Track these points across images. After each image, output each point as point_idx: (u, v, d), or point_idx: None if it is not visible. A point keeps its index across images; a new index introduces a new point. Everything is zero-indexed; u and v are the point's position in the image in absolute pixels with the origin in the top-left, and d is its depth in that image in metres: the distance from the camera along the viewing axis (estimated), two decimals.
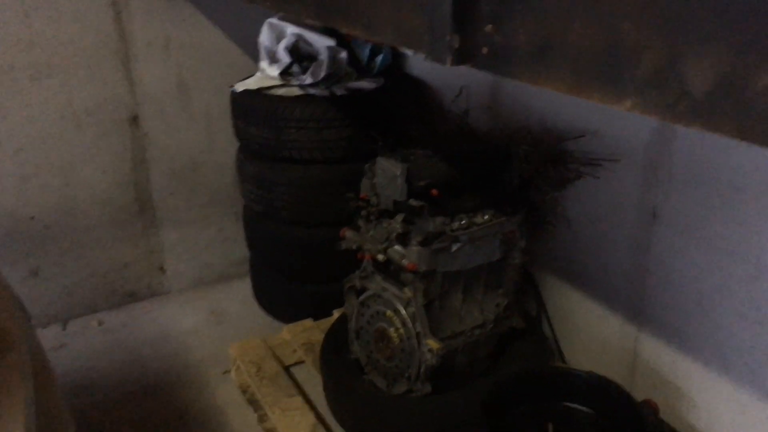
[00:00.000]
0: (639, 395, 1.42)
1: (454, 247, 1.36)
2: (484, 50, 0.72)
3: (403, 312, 1.38)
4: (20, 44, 1.79)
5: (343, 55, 1.89)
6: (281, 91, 1.84)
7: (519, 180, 1.45)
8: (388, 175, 1.34)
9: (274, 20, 1.92)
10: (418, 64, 2.03)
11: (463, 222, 1.37)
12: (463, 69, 0.74)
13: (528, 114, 1.59)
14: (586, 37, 0.59)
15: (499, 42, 0.69)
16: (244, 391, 1.75)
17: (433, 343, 1.34)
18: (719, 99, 0.48)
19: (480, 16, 0.70)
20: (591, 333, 1.61)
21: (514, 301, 1.53)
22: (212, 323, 2.10)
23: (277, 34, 1.92)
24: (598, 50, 0.58)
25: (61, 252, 2.03)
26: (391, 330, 1.41)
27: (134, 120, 2.00)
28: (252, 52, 2.03)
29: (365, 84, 1.88)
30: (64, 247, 2.03)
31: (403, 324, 1.39)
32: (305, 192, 1.84)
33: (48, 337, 2.02)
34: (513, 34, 0.66)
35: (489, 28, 0.70)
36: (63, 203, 1.98)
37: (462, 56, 0.73)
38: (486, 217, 1.41)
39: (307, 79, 1.83)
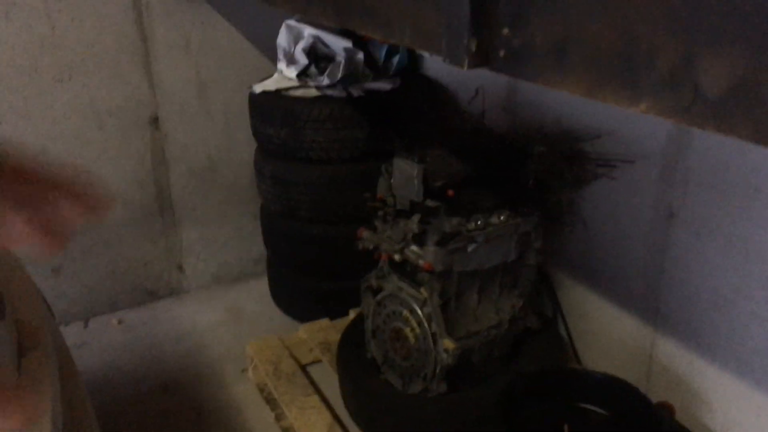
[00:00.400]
0: (655, 396, 1.42)
1: (470, 248, 1.37)
2: (501, 53, 0.73)
3: (419, 312, 1.39)
4: (44, 46, 1.83)
5: (360, 56, 1.91)
6: (299, 92, 1.86)
7: (535, 180, 1.45)
8: (404, 176, 1.35)
9: (291, 22, 1.94)
10: (434, 64, 2.04)
11: (479, 222, 1.38)
12: (480, 70, 0.75)
13: (544, 114, 1.60)
14: (602, 40, 0.59)
15: (516, 45, 0.70)
16: (261, 390, 1.77)
17: (448, 343, 1.35)
18: (734, 102, 0.49)
19: (497, 19, 0.71)
20: (607, 334, 1.61)
21: (529, 302, 1.53)
22: (230, 322, 2.13)
23: (295, 36, 1.93)
24: (613, 53, 0.58)
25: (83, 250, 2.07)
26: (408, 330, 1.42)
27: (155, 120, 2.03)
28: (270, 54, 2.05)
29: (382, 85, 1.90)
30: (86, 245, 2.06)
31: (419, 324, 1.40)
32: (322, 191, 1.86)
33: (70, 334, 2.05)
34: (530, 37, 0.67)
35: (506, 31, 0.71)
36: None
37: (479, 59, 0.74)
38: (502, 217, 1.41)
39: (325, 80, 1.85)
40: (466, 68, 0.75)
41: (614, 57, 0.58)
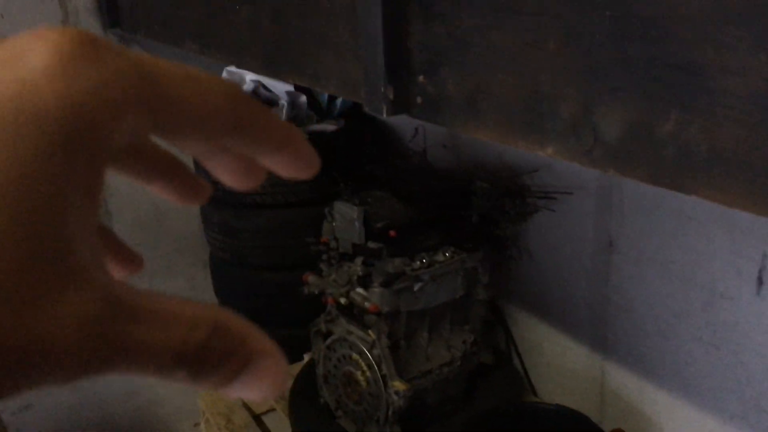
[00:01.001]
0: (609, 424, 1.43)
1: (417, 287, 1.36)
2: (419, 100, 0.74)
3: (369, 354, 1.38)
4: None
5: (303, 99, 1.92)
6: None
7: (478, 216, 1.47)
8: (345, 219, 1.35)
9: (233, 68, 1.94)
10: None
11: (425, 261, 1.38)
12: None
13: (485, 150, 1.62)
14: (510, 89, 0.61)
15: (431, 92, 0.71)
16: None
17: (399, 385, 1.34)
18: (630, 146, 0.50)
19: (413, 68, 0.72)
20: (559, 364, 1.62)
21: (481, 337, 1.53)
22: None
23: (237, 82, 1.94)
24: (520, 101, 0.60)
25: None
26: (358, 373, 1.41)
27: None
28: None
29: (326, 126, 1.90)
30: None
31: (369, 367, 1.38)
32: (270, 237, 1.84)
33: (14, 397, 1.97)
34: (443, 85, 0.68)
35: (422, 78, 0.72)
36: None
37: (397, 107, 0.75)
38: (447, 254, 1.42)
39: None
40: (385, 115, 0.76)
41: (521, 106, 0.60)
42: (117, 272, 0.31)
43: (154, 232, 2.13)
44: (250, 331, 0.23)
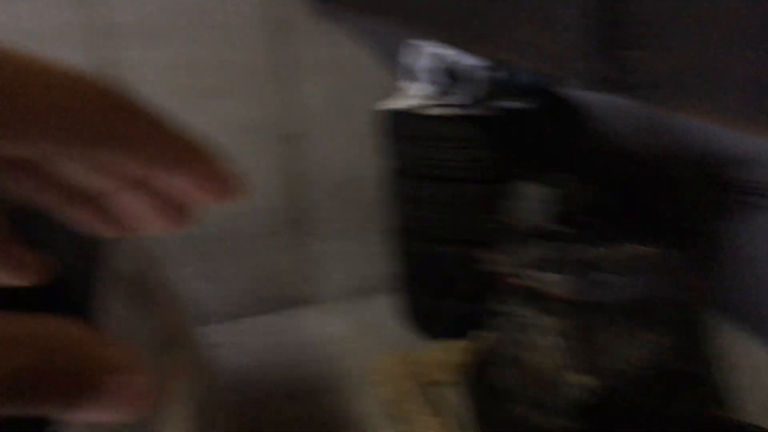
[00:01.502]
0: None
1: (607, 278, 1.28)
2: (638, 79, 0.67)
3: (548, 342, 1.32)
4: (188, 67, 1.94)
5: (496, 74, 1.86)
6: (430, 111, 1.85)
7: (679, 208, 1.33)
8: (531, 200, 1.30)
9: (421, 41, 1.94)
10: None
11: (618, 252, 1.29)
12: None
13: (690, 136, 1.46)
14: (742, 65, 0.52)
15: (653, 70, 0.64)
16: (387, 405, 1.77)
17: (580, 378, 1.27)
18: None
19: (625, 42, 0.65)
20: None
21: (678, 343, 1.41)
22: (359, 335, 2.16)
23: (429, 55, 1.93)
24: (755, 79, 0.51)
25: (223, 257, 2.19)
26: (537, 360, 1.36)
27: (290, 137, 2.12)
28: (399, 72, 2.06)
29: (516, 104, 1.84)
30: (226, 252, 2.19)
31: (550, 354, 1.33)
32: (454, 210, 1.84)
33: (206, 336, 2.18)
34: (660, 61, 0.61)
35: (636, 53, 0.65)
36: (228, 213, 2.12)
37: (611, 85, 0.69)
38: (644, 248, 1.31)
39: (460, 100, 1.83)
40: (598, 94, 0.70)
41: (755, 85, 0.51)
42: (6, 279, 0.28)
43: (343, 198, 2.22)
44: (96, 345, 0.20)
